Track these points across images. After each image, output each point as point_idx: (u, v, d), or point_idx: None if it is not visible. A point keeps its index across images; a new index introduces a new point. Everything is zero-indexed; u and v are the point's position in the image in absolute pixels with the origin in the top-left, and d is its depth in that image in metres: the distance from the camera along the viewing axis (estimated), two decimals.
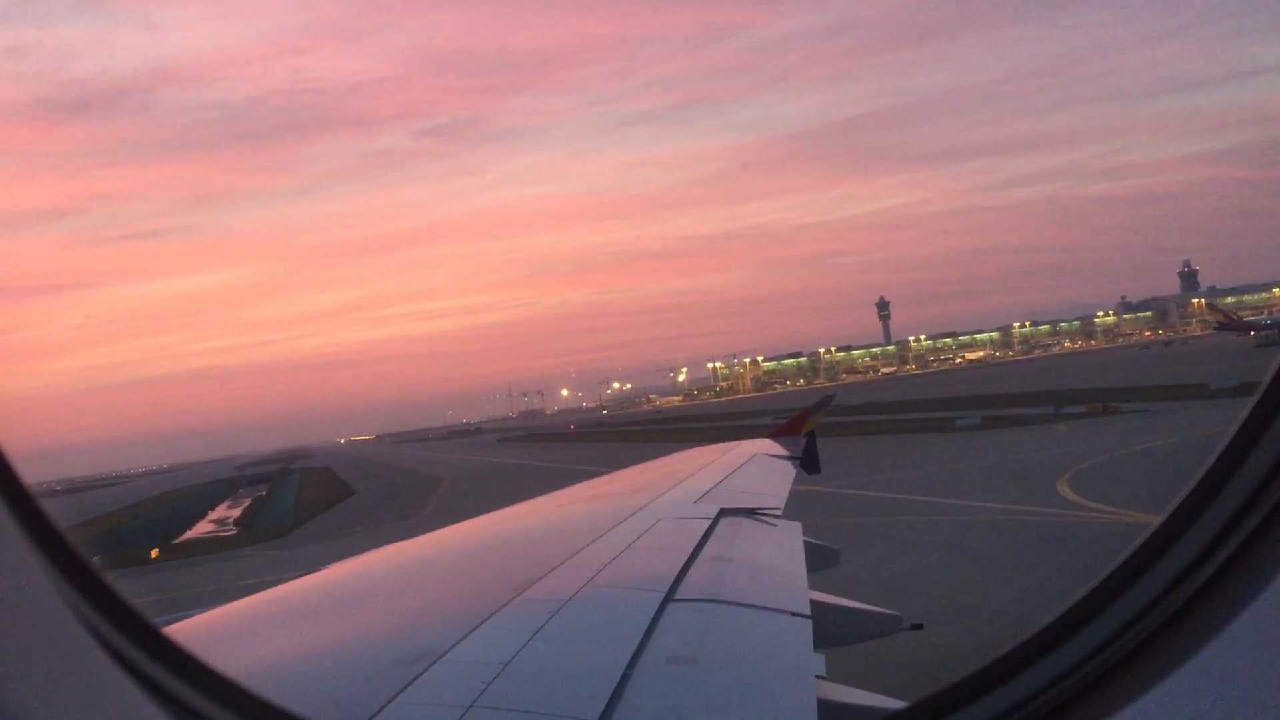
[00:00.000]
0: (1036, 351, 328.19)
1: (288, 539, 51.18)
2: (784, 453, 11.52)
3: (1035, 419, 61.70)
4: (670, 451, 13.16)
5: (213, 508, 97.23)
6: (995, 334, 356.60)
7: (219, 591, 28.21)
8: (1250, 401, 1.84)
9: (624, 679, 3.06)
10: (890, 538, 27.12)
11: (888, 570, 22.59)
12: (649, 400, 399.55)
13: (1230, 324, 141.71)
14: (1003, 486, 34.35)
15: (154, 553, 51.97)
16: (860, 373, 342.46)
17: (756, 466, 10.09)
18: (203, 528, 74.86)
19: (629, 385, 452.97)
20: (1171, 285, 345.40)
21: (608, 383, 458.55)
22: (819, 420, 13.08)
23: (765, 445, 12.06)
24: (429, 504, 59.20)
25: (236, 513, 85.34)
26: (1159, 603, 1.86)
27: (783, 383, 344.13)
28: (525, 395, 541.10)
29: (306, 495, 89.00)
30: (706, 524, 5.95)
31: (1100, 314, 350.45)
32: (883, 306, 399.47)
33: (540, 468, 76.57)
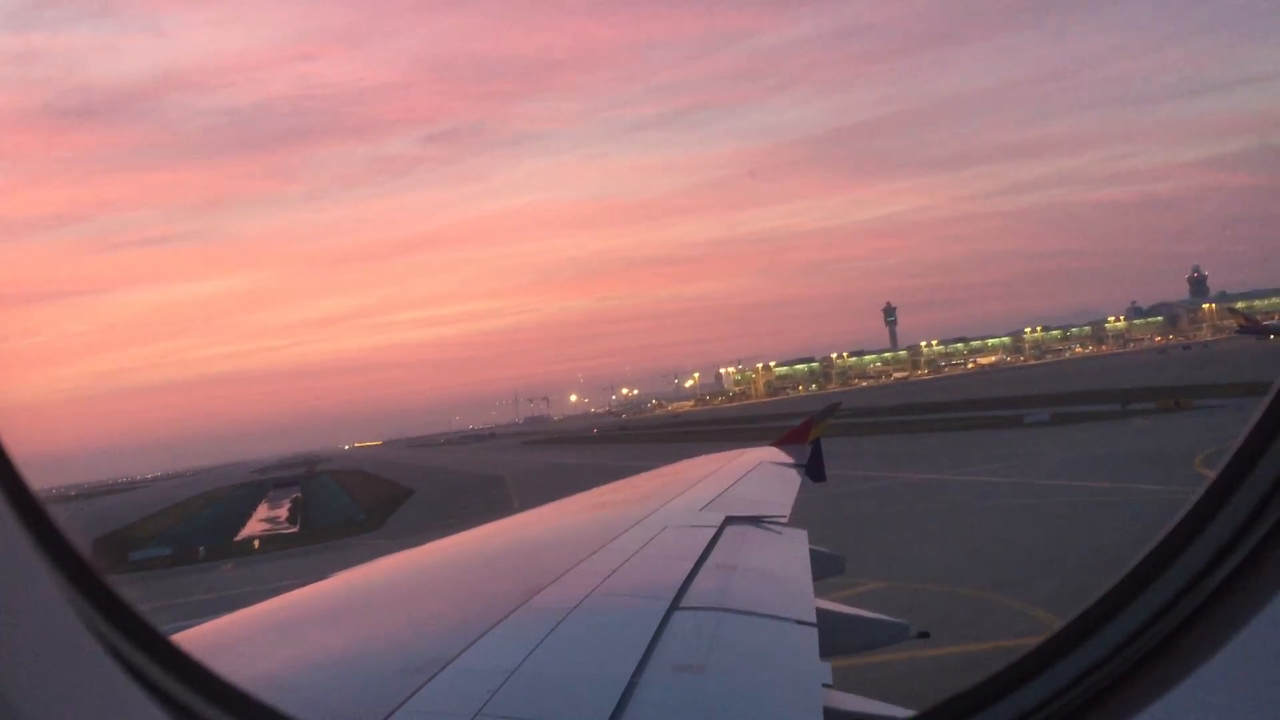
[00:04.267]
0: (1049, 356, 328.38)
1: (378, 532, 51.35)
2: (789, 460, 11.46)
3: (1106, 415, 61.79)
4: (696, 452, 13.11)
5: (253, 508, 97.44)
6: (1007, 339, 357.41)
7: None
8: (1259, 409, 1.84)
9: (630, 687, 3.07)
10: (1125, 518, 26.52)
11: None
12: (659, 405, 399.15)
13: (1251, 327, 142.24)
14: (1145, 471, 34.18)
15: (255, 544, 52.39)
16: (873, 378, 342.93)
17: (762, 474, 10.03)
18: (255, 526, 74.83)
19: (635, 391, 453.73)
20: (1181, 290, 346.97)
21: (614, 389, 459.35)
22: (825, 428, 12.92)
23: (770, 453, 11.97)
24: (512, 498, 59.28)
25: (282, 513, 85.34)
26: (1173, 607, 1.85)
27: (794, 388, 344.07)
28: (531, 401, 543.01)
29: (360, 495, 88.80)
30: (712, 532, 5.92)
31: (1111, 319, 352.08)
32: (889, 312, 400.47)
33: (588, 465, 76.34)
